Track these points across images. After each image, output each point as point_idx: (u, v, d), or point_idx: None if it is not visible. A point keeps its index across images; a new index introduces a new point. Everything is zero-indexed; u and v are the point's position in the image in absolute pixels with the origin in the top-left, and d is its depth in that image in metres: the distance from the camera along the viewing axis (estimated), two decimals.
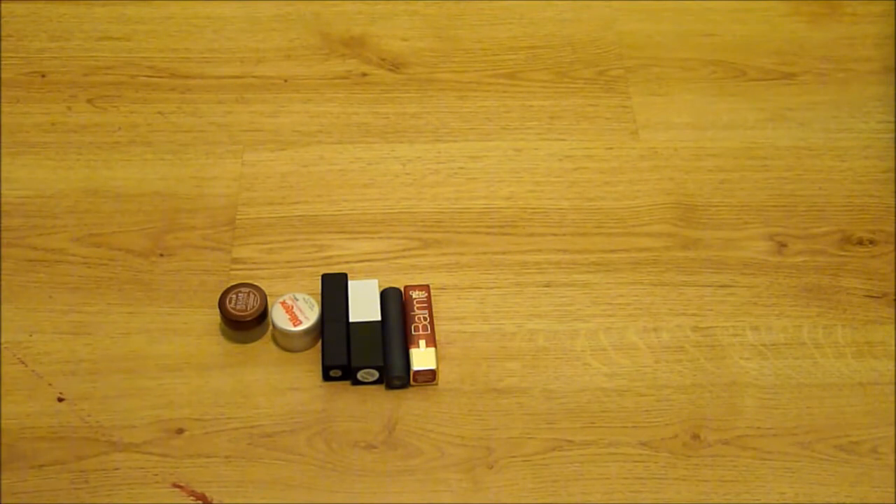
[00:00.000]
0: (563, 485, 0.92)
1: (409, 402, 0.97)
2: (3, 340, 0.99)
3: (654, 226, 1.10)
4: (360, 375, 0.96)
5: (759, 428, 0.96)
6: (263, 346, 1.00)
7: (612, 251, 1.08)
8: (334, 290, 1.01)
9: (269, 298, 1.00)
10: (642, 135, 1.18)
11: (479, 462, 0.93)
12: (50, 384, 0.97)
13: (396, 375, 0.96)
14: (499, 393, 0.97)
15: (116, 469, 0.92)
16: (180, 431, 0.94)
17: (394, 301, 1.01)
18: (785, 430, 0.96)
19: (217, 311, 1.00)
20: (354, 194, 1.12)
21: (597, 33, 1.28)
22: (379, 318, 0.99)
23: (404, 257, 1.07)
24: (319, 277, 1.03)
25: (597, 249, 1.08)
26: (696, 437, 0.95)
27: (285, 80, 1.22)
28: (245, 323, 0.97)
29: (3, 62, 1.23)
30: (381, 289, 1.02)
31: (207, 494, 0.91)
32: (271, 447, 0.93)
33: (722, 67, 1.25)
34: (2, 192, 1.10)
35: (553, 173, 1.14)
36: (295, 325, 0.97)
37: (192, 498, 0.90)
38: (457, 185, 1.13)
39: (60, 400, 0.96)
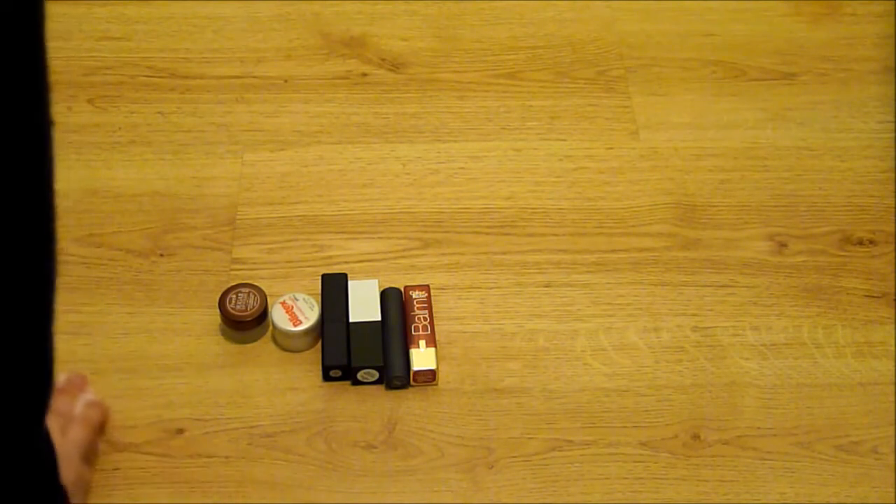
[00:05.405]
0: (563, 485, 0.92)
1: (409, 402, 0.97)
2: None
3: (654, 226, 1.10)
4: (360, 375, 0.96)
5: (759, 428, 0.96)
6: (263, 346, 1.00)
7: (612, 251, 1.08)
8: (334, 290, 1.01)
9: (269, 298, 1.00)
10: (642, 135, 1.18)
11: (479, 462, 0.93)
12: None
13: (396, 375, 0.96)
14: (499, 393, 0.97)
15: (116, 469, 0.92)
16: (180, 431, 0.94)
17: (394, 301, 1.01)
18: (785, 430, 0.96)
19: (217, 311, 1.00)
20: (354, 194, 1.12)
21: (597, 33, 1.28)
22: (379, 318, 0.99)
23: (404, 257, 1.07)
24: (319, 277, 1.03)
25: (597, 249, 1.08)
26: (696, 437, 0.95)
27: (285, 80, 1.22)
28: (245, 323, 0.97)
29: None
30: (381, 289, 1.02)
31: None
32: (271, 447, 0.93)
33: (722, 67, 1.25)
34: None
35: (553, 173, 1.14)
36: (295, 325, 0.97)
37: None
38: (457, 185, 1.13)
39: None
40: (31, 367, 0.58)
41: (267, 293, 1.00)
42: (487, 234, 1.09)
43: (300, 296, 0.99)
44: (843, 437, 0.96)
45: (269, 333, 1.01)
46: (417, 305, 1.00)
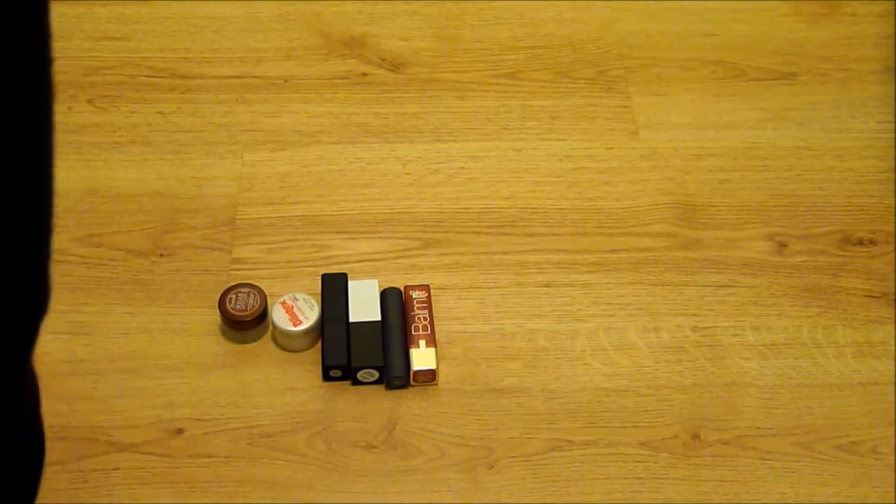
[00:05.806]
0: (563, 485, 0.92)
1: (409, 402, 0.97)
2: None
3: (654, 226, 1.10)
4: (360, 375, 0.96)
5: (759, 428, 0.96)
6: (263, 346, 1.00)
7: (612, 251, 1.08)
8: (334, 290, 1.01)
9: (269, 298, 1.00)
10: (642, 135, 1.18)
11: (479, 462, 0.93)
12: (50, 385, 0.97)
13: (396, 375, 0.96)
14: (499, 393, 0.97)
15: (116, 469, 0.92)
16: (180, 431, 0.94)
17: (394, 301, 1.01)
18: (785, 430, 0.96)
19: (217, 311, 1.00)
20: (354, 194, 1.12)
21: (597, 33, 1.28)
22: (379, 318, 0.99)
23: (404, 257, 1.07)
24: (319, 277, 1.03)
25: (597, 249, 1.08)
26: (696, 437, 0.95)
27: (285, 80, 1.22)
28: (245, 323, 0.97)
29: None
30: (381, 289, 1.02)
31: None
32: (271, 447, 0.93)
33: (722, 67, 1.25)
34: None
35: (553, 173, 1.14)
36: (295, 325, 0.97)
37: None
38: (457, 185, 1.13)
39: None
40: (27, 290, 0.56)
41: (267, 293, 1.00)
42: (487, 234, 1.09)
43: (300, 296, 0.99)
44: (843, 437, 0.96)
45: (269, 333, 1.01)
46: (417, 305, 1.00)
